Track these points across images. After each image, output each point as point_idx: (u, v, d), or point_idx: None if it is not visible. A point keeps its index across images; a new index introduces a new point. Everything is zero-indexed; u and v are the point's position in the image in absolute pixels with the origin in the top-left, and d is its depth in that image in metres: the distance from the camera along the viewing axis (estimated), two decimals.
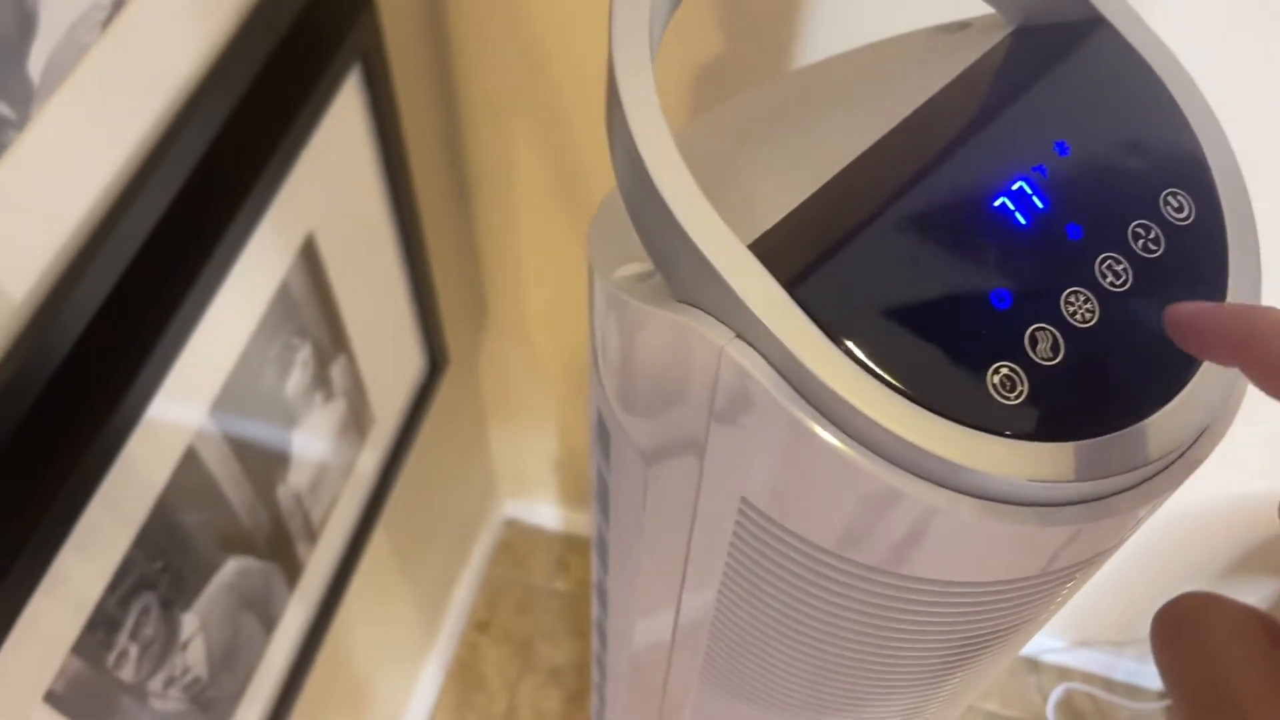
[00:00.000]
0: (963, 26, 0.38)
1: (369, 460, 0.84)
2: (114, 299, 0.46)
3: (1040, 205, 0.31)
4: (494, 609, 1.44)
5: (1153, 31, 0.36)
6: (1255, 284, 0.32)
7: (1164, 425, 0.29)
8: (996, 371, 0.28)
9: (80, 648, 0.49)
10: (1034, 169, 0.32)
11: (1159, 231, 0.32)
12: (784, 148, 0.34)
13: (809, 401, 0.28)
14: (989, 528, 0.28)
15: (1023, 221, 0.31)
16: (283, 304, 0.61)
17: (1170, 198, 0.33)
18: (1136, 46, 0.35)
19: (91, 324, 0.45)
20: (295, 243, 0.61)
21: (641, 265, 0.34)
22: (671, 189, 0.28)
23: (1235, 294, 0.31)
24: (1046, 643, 1.39)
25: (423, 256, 0.80)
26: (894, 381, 0.28)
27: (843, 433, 0.28)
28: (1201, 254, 0.32)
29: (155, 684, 0.58)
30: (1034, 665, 1.41)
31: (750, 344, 0.29)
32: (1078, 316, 0.30)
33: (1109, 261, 0.31)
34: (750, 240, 0.30)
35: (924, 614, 0.33)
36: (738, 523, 0.34)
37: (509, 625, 1.43)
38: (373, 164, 0.69)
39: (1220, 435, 0.31)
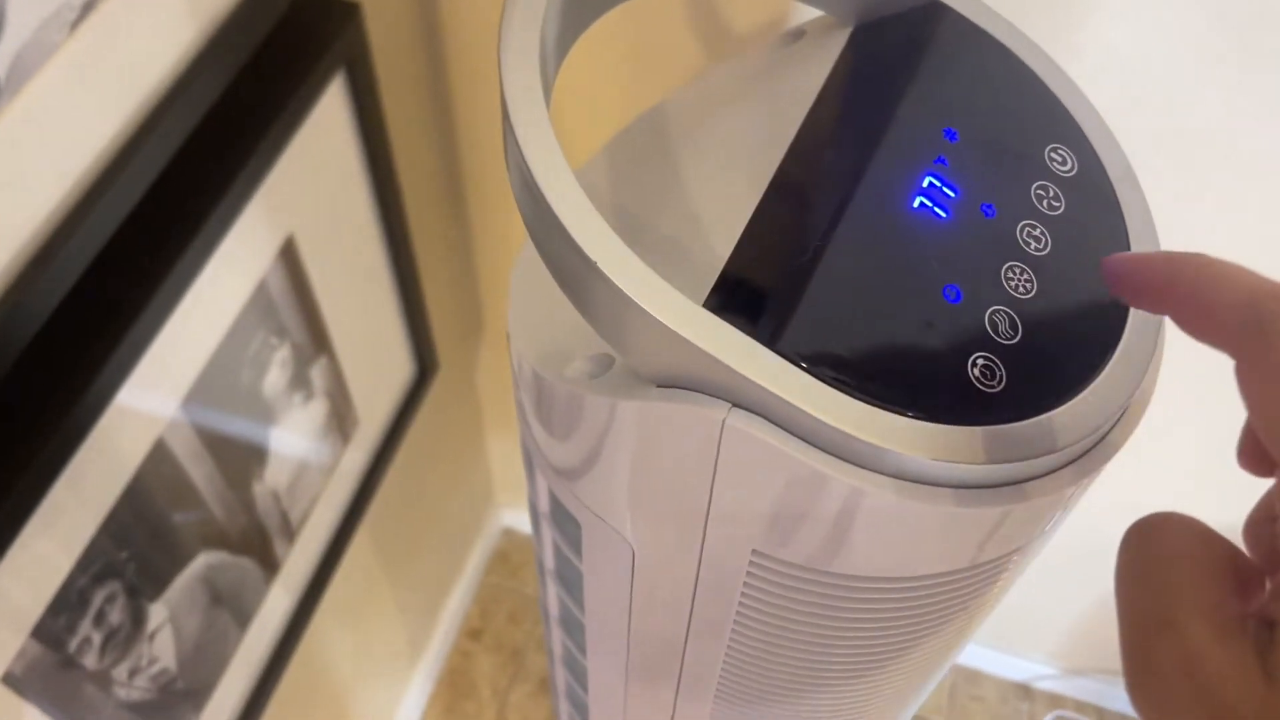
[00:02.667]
0: (799, 35, 0.39)
1: (353, 462, 0.85)
2: (82, 288, 0.47)
3: (953, 195, 0.32)
4: (487, 617, 1.45)
5: (988, 6, 0.37)
6: (1145, 213, 0.34)
7: (1112, 385, 0.30)
8: (974, 364, 0.29)
9: (40, 631, 0.51)
10: (935, 161, 0.33)
11: (1055, 188, 0.33)
12: (683, 192, 0.34)
13: (820, 448, 0.29)
14: (989, 514, 0.30)
15: (943, 215, 0.32)
16: (260, 303, 0.62)
17: (1053, 154, 0.34)
18: (977, 22, 0.37)
19: (57, 312, 0.46)
20: (274, 243, 0.62)
21: (592, 360, 0.34)
22: (639, 285, 0.28)
23: (1132, 226, 0.33)
24: (1039, 670, 1.38)
25: (410, 263, 0.82)
26: (901, 409, 0.28)
27: (863, 468, 0.29)
28: (1095, 198, 0.34)
29: (120, 673, 0.59)
30: (1026, 692, 1.40)
31: (749, 410, 0.29)
32: (1020, 289, 0.31)
33: (1026, 229, 0.32)
34: (703, 299, 0.30)
35: (908, 610, 0.35)
36: (749, 574, 0.34)
37: (501, 634, 1.43)
38: (358, 170, 0.70)
39: (1145, 405, 0.32)
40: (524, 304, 0.38)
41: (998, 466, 0.29)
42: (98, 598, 0.54)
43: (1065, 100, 0.36)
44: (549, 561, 0.47)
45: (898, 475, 0.29)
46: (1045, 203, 0.33)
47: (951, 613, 0.35)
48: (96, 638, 0.55)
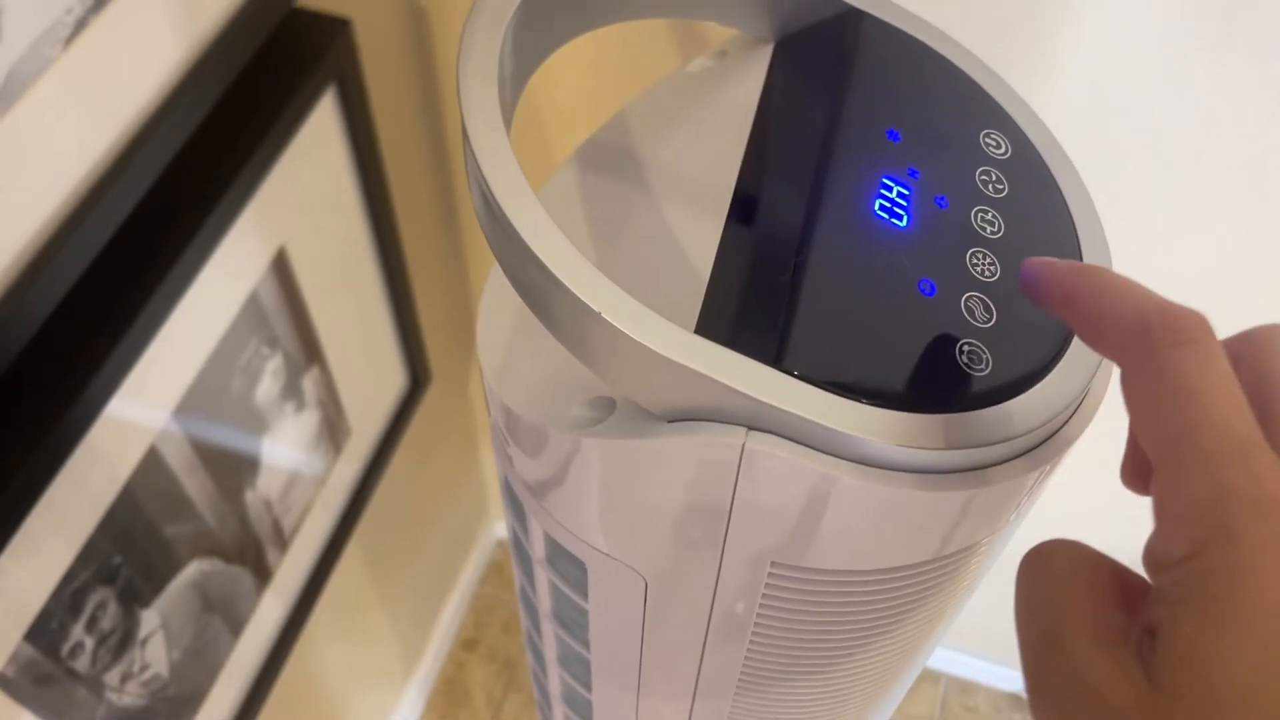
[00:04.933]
0: (722, 55, 0.40)
1: (345, 472, 0.85)
2: (74, 298, 0.48)
3: (907, 193, 0.34)
4: (482, 628, 1.45)
5: (901, 6, 0.39)
6: (1078, 182, 0.36)
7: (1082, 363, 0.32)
8: (961, 352, 0.31)
9: (33, 635, 0.51)
10: (885, 164, 0.34)
11: (997, 172, 0.35)
12: (643, 219, 0.35)
13: (836, 455, 0.29)
14: (1017, 484, 0.31)
15: (903, 214, 0.33)
16: (252, 313, 0.63)
17: (988, 139, 0.36)
18: (892, 23, 0.38)
19: (50, 321, 0.47)
20: (266, 254, 0.63)
21: (592, 405, 0.34)
22: (646, 329, 0.28)
23: (1069, 197, 0.35)
24: None
25: (403, 275, 0.83)
26: (905, 406, 0.29)
27: (874, 467, 0.29)
28: (1033, 176, 0.35)
29: (112, 678, 0.60)
30: (1019, 702, 1.40)
31: (766, 430, 0.30)
32: (985, 273, 0.32)
33: (980, 214, 0.34)
34: (692, 326, 0.30)
35: (917, 592, 0.35)
36: (768, 584, 0.35)
37: (496, 644, 1.44)
38: (351, 184, 0.71)
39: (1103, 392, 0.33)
40: (497, 351, 0.37)
41: (1015, 441, 0.30)
42: (90, 603, 0.55)
43: (985, 86, 0.38)
44: (544, 604, 0.46)
45: (915, 470, 0.30)
46: (990, 187, 0.35)
47: (956, 582, 0.37)
48: (89, 643, 0.56)
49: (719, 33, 0.41)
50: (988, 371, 0.30)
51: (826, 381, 0.29)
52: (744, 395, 0.28)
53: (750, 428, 0.30)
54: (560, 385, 0.34)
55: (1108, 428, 0.33)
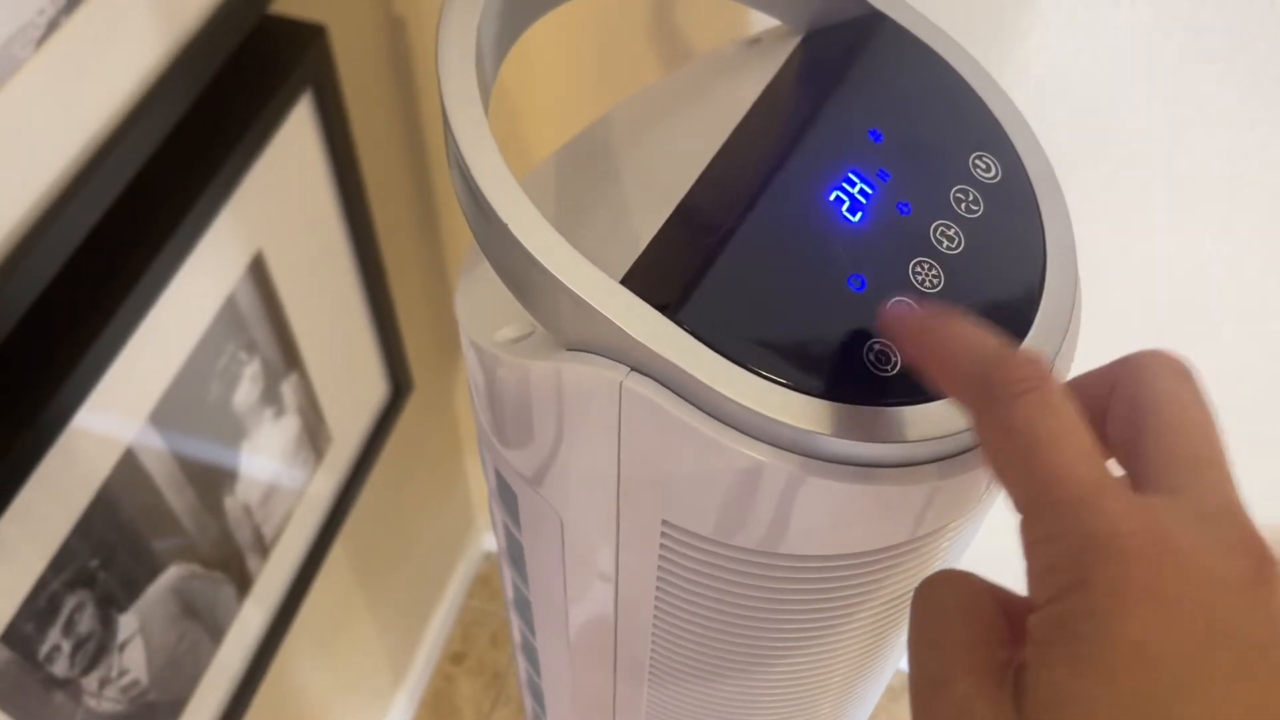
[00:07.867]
0: (755, 42, 0.41)
1: (327, 479, 0.85)
2: (47, 300, 0.48)
3: (870, 191, 0.34)
4: (469, 640, 1.45)
5: (926, 18, 0.39)
6: (1065, 222, 0.35)
7: None
8: (870, 349, 0.31)
9: (9, 638, 0.51)
10: (856, 159, 0.35)
11: (976, 193, 0.35)
12: (628, 180, 0.36)
13: (714, 416, 0.30)
14: (900, 492, 0.31)
15: (857, 209, 0.34)
16: (229, 317, 0.63)
17: (978, 161, 0.36)
18: (916, 34, 0.39)
19: (23, 322, 0.47)
20: (243, 259, 0.63)
21: (518, 328, 0.36)
22: (543, 247, 0.30)
23: (1051, 233, 0.35)
24: None
25: (382, 281, 0.83)
26: (788, 382, 0.30)
27: (753, 439, 0.30)
28: (1016, 204, 0.36)
29: (90, 682, 0.60)
30: None
31: (648, 375, 0.30)
32: (926, 284, 0.33)
33: (940, 228, 0.34)
34: (622, 275, 0.32)
35: (820, 588, 0.36)
36: (662, 545, 0.36)
37: (484, 657, 1.44)
38: (328, 190, 0.71)
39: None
40: (471, 286, 0.41)
41: (884, 446, 0.30)
42: (67, 606, 0.55)
43: (996, 111, 0.37)
44: (501, 540, 0.49)
45: (786, 448, 0.30)
46: (964, 205, 0.35)
47: (857, 596, 0.37)
48: (66, 646, 0.56)
49: (704, 43, 0.42)
50: (893, 374, 0.31)
51: (711, 337, 0.30)
52: (617, 327, 0.29)
53: (633, 369, 0.30)
54: (507, 319, 0.36)
55: None
